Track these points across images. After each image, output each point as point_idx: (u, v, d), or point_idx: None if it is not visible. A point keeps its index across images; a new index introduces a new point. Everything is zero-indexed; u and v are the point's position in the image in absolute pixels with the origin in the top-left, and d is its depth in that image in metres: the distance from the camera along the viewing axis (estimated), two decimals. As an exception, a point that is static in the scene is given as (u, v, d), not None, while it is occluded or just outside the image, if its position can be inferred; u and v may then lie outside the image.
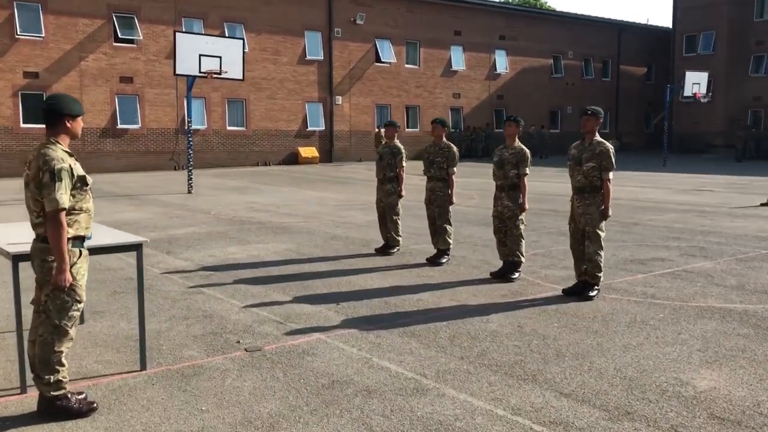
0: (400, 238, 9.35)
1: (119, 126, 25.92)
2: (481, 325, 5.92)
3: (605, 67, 42.37)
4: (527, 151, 7.69)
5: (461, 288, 7.33)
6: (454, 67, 35.22)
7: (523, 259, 7.73)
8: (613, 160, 6.76)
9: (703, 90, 29.20)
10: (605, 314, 6.26)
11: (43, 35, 24.15)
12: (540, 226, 11.63)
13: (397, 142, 9.40)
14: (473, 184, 19.78)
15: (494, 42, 36.61)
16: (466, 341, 5.49)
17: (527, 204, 7.72)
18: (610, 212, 6.85)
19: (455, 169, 8.60)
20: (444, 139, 8.68)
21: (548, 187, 18.83)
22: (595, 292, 6.81)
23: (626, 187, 19.23)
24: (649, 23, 46.26)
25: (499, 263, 8.00)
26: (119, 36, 25.67)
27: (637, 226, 11.73)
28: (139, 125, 26.42)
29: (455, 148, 8.64)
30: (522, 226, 7.70)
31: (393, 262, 8.77)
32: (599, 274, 6.81)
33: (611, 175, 6.79)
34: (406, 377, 4.71)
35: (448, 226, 8.61)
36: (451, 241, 8.67)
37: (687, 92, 28.85)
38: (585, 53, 40.98)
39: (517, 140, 7.71)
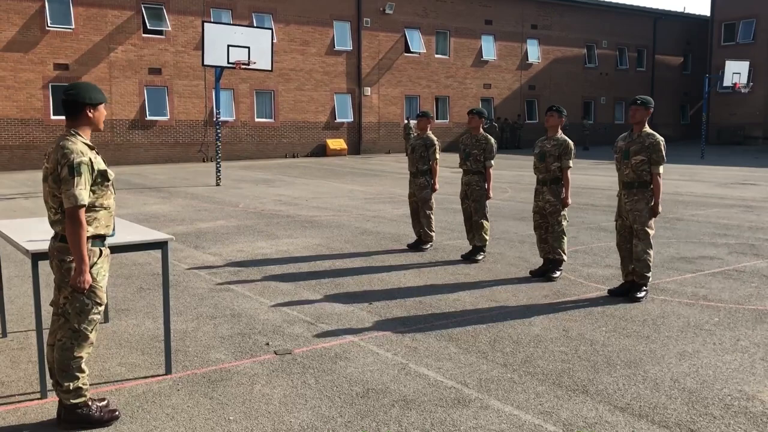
0: (433, 234, 9.02)
1: (148, 117, 25.90)
2: (524, 329, 5.58)
3: (640, 56, 41.42)
4: (570, 142, 7.29)
5: (500, 287, 6.98)
6: (485, 57, 34.66)
7: (565, 257, 7.35)
8: (664, 153, 6.36)
9: (744, 80, 28.34)
10: (655, 317, 5.88)
11: (73, 27, 24.17)
12: (579, 222, 11.21)
13: (429, 133, 9.05)
14: (505, 177, 19.35)
15: (526, 31, 35.96)
16: (509, 346, 5.16)
17: (570, 199, 7.34)
18: (660, 209, 6.45)
19: (493, 162, 8.25)
20: (481, 130, 8.32)
21: (586, 180, 18.34)
22: (643, 293, 6.42)
23: (664, 180, 18.60)
24: (685, 11, 45.02)
25: (539, 261, 7.65)
26: (148, 27, 25.60)
27: (681, 222, 11.25)
28: (168, 117, 26.38)
29: (493, 140, 8.28)
30: (564, 223, 7.32)
31: (426, 258, 8.45)
32: (648, 274, 6.42)
33: (662, 169, 6.38)
34: (445, 386, 4.39)
35: (484, 222, 8.26)
36: (487, 237, 8.31)
37: (726, 82, 28.01)
38: (619, 43, 40.10)
39: (559, 131, 7.32)
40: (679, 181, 18.58)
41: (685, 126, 43.90)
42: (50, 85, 23.86)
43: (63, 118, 4.00)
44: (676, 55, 43.05)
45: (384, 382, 4.47)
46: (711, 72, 36.34)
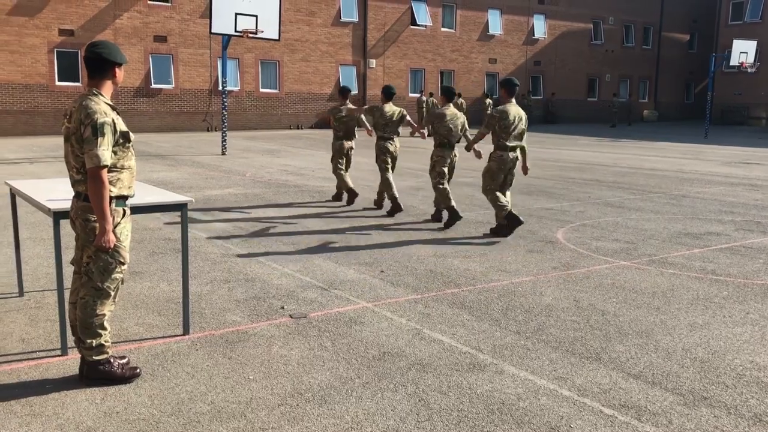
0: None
1: (153, 86, 25.79)
2: (535, 299, 5.63)
3: (646, 34, 41.12)
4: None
5: (509, 258, 7.03)
6: (491, 32, 34.41)
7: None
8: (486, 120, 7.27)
9: (751, 59, 28.18)
10: (665, 290, 5.93)
11: (78, -8, 23.96)
12: (585, 197, 11.24)
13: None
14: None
15: (533, 6, 35.66)
16: (521, 315, 5.22)
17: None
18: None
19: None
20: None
21: (588, 157, 18.31)
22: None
23: (668, 158, 18.68)
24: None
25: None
26: (153, -6, 25.39)
27: (686, 199, 11.28)
28: (173, 85, 26.26)
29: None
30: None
31: (435, 230, 8.49)
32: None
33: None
34: (460, 351, 4.46)
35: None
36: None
37: (733, 61, 27.86)
38: (626, 19, 39.77)
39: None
40: (683, 159, 18.57)
41: (690, 105, 43.71)
42: (55, 50, 23.72)
43: (68, 84, 4.00)
44: (682, 33, 42.72)
45: (399, 346, 4.53)
46: (717, 51, 36.11)
